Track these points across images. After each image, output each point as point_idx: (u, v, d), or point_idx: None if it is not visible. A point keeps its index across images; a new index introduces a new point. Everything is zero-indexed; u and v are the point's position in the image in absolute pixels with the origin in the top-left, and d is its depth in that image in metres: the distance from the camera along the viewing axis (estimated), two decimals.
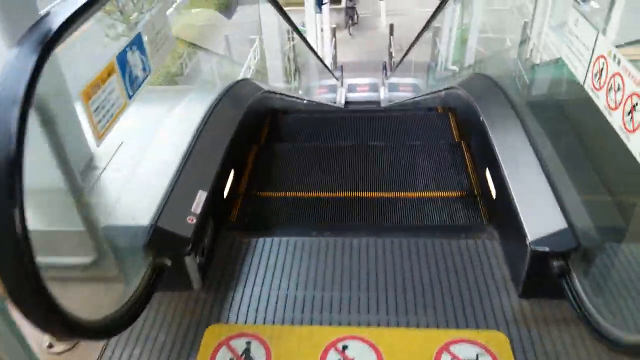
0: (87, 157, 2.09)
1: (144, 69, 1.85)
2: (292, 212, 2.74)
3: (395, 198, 2.82)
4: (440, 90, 4.24)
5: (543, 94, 4.77)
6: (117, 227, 1.89)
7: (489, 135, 2.44)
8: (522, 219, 1.96)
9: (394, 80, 15.04)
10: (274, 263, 2.22)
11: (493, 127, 2.47)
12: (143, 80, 1.85)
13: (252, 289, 2.11)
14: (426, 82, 14.37)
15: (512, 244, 2.13)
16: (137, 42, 1.78)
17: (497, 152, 2.31)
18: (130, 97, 1.75)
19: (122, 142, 2.40)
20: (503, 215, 2.26)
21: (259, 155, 3.24)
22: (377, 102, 14.55)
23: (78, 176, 1.46)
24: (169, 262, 1.90)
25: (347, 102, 14.88)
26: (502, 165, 2.23)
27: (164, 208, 1.98)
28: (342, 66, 16.39)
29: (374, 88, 15.58)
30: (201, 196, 2.13)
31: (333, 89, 15.21)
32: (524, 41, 6.96)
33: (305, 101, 6.73)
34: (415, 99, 6.04)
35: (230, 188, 2.63)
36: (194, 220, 2.02)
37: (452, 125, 3.57)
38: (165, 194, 2.04)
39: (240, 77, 10.43)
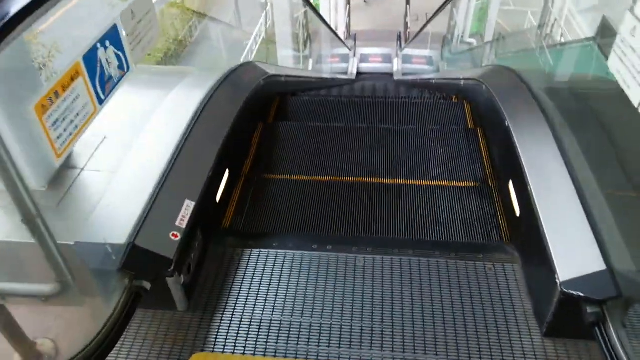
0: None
1: (120, 67, 1.58)
2: (293, 202, 2.55)
3: (405, 185, 2.65)
4: (459, 79, 3.91)
5: (568, 82, 4.45)
6: (89, 244, 1.66)
7: (516, 145, 2.17)
8: (551, 251, 1.70)
9: (408, 51, 14.62)
10: (268, 281, 2.00)
11: (521, 136, 2.19)
12: (119, 80, 1.59)
13: (243, 311, 1.90)
14: (441, 54, 13.99)
15: (537, 275, 1.89)
16: (111, 37, 1.51)
17: (525, 167, 2.03)
18: (101, 102, 1.49)
19: (104, 137, 2.17)
20: (528, 239, 2.00)
21: (261, 144, 3.01)
22: (390, 74, 14.18)
23: (32, 205, 1.22)
24: (148, 286, 1.68)
25: (359, 73, 14.53)
26: (530, 183, 1.96)
27: (144, 223, 1.74)
28: (355, 35, 15.91)
29: (388, 59, 15.17)
30: (188, 207, 1.89)
31: (345, 58, 14.81)
32: (545, 15, 6.56)
33: (313, 79, 6.40)
34: (431, 81, 5.69)
35: (224, 189, 2.39)
36: (179, 237, 1.78)
37: (471, 124, 3.28)
38: (147, 205, 1.80)
39: (250, 42, 10.02)
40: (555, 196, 1.87)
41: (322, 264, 2.06)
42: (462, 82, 3.78)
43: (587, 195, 1.81)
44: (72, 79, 1.33)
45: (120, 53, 1.57)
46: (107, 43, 1.49)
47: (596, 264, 1.60)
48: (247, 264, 2.06)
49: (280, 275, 2.01)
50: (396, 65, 14.55)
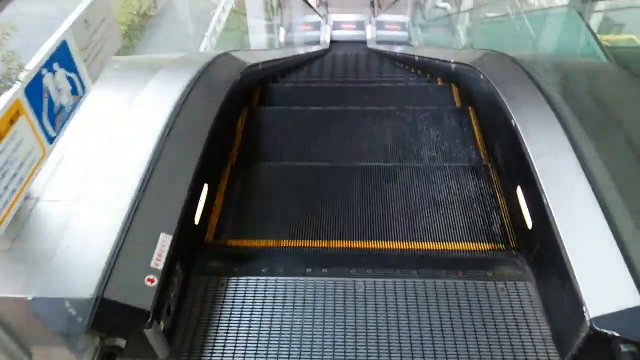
0: None
1: (74, 91, 1.31)
2: (279, 201, 2.39)
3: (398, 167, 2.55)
4: (448, 62, 3.68)
5: (552, 57, 4.26)
6: (49, 301, 1.41)
7: (526, 149, 1.97)
8: (577, 280, 1.53)
9: (381, 18, 14.32)
10: (259, 317, 1.78)
11: (531, 141, 1.99)
12: (74, 108, 1.31)
13: (233, 356, 1.69)
14: (412, 20, 13.79)
15: (556, 297, 1.72)
16: (60, 57, 1.23)
17: (539, 176, 1.84)
18: (52, 140, 1.22)
19: (62, 158, 1.90)
20: (543, 256, 1.83)
21: (245, 131, 2.78)
22: (364, 42, 13.97)
23: None
24: (123, 343, 1.46)
25: (332, 41, 14.29)
26: (547, 196, 1.77)
27: (113, 268, 1.49)
28: (327, 1, 15.50)
29: (361, 26, 14.91)
30: (164, 242, 1.65)
31: (317, 26, 14.50)
32: None
33: (290, 58, 6.08)
34: (414, 57, 5.41)
35: (204, 204, 2.15)
36: (155, 281, 1.55)
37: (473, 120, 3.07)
38: (116, 244, 1.54)
39: (217, 11, 9.52)
40: (578, 213, 1.68)
41: (318, 292, 1.86)
42: (453, 65, 3.54)
43: (612, 212, 1.63)
44: (12, 122, 1.06)
45: (72, 75, 1.30)
46: (56, 66, 1.22)
47: (631, 298, 1.43)
48: (234, 297, 1.85)
49: (273, 309, 1.80)
50: (370, 33, 14.25)
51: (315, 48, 10.51)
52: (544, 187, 1.81)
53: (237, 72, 2.83)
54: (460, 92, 3.57)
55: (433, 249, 2.09)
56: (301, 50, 8.00)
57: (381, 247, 2.12)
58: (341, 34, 14.89)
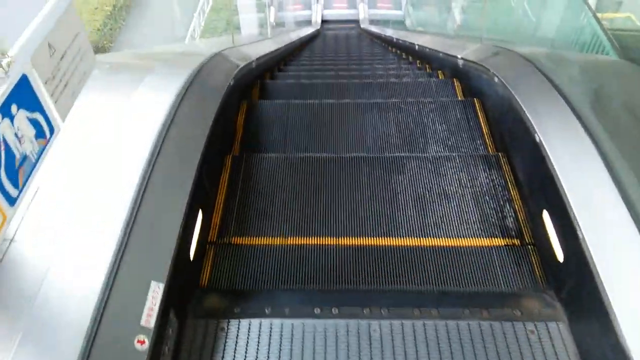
0: None
1: (40, 135, 1.08)
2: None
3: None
4: (455, 57, 3.44)
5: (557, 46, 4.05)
6: None
7: (554, 170, 1.78)
8: (624, 335, 1.35)
9: None
10: None
11: (561, 162, 1.79)
12: (41, 154, 1.09)
13: None
14: None
15: (596, 347, 1.55)
16: (19, 97, 1.00)
17: (572, 206, 1.65)
18: (13, 202, 1.00)
19: (37, 189, 1.66)
20: (578, 296, 1.65)
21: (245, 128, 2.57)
22: (357, 22, 13.78)
23: None
24: None
25: (324, 21, 14.07)
26: (581, 227, 1.58)
27: (97, 330, 1.28)
28: None
29: (353, 4, 14.69)
30: (156, 293, 1.44)
31: (308, 4, 14.24)
32: None
33: (283, 48, 5.79)
34: (413, 46, 5.13)
35: (200, 233, 1.94)
36: (146, 343, 1.34)
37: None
38: (100, 300, 1.33)
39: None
40: (620, 252, 1.50)
41: (329, 337, 1.66)
42: (461, 62, 3.31)
43: None
44: None
45: (37, 115, 1.07)
46: (14, 108, 0.99)
47: None
48: (236, 345, 1.65)
49: (279, 356, 1.61)
50: (362, 12, 13.98)
51: (306, 31, 10.19)
52: (578, 219, 1.62)
53: (230, 77, 2.59)
54: (464, 89, 3.36)
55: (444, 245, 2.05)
56: (293, 35, 7.69)
57: (389, 244, 2.05)
58: (333, 13, 14.66)
